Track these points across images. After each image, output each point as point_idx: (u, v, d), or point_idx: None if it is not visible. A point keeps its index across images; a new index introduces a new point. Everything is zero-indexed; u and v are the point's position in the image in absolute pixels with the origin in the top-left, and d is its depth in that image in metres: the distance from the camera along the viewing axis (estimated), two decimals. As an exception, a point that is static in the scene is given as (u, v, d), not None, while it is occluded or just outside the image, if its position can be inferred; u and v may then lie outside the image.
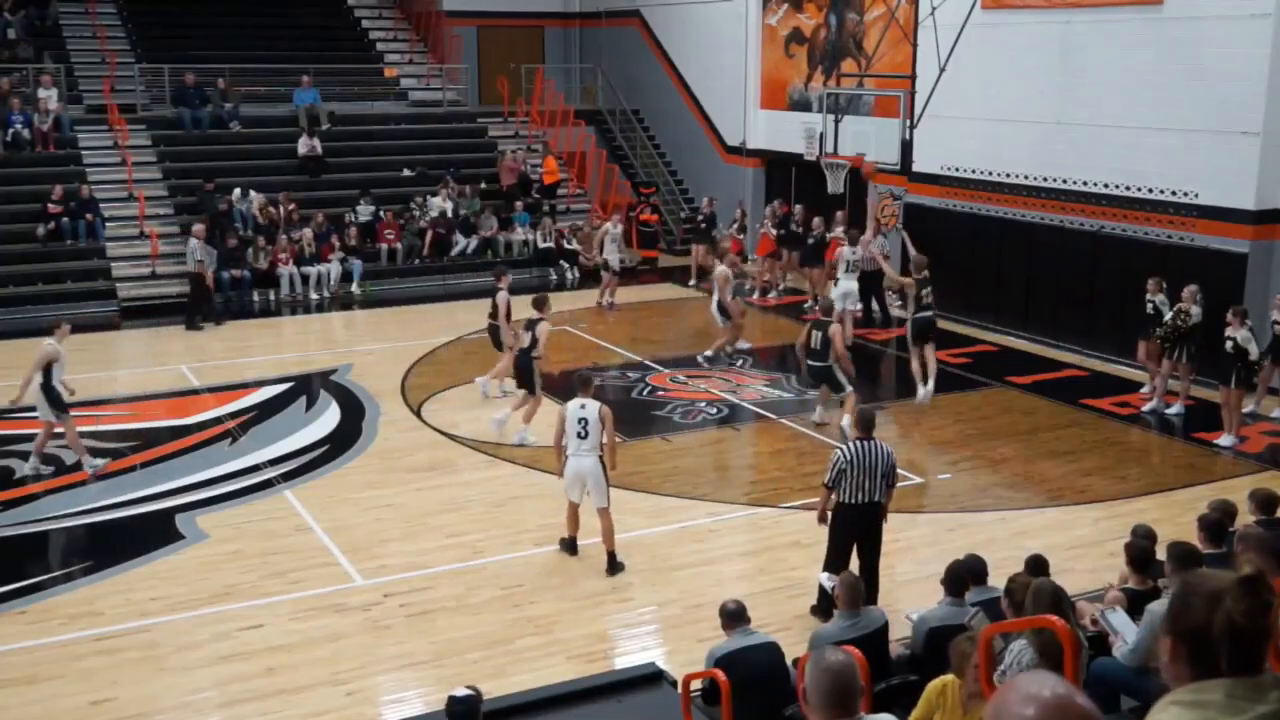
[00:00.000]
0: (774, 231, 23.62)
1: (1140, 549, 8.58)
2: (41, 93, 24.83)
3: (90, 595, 10.78)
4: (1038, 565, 8.45)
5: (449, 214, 25.50)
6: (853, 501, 9.97)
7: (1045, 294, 19.65)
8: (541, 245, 25.55)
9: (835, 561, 10.01)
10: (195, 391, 17.13)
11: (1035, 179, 19.86)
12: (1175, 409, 15.99)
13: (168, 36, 28.94)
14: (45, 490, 13.31)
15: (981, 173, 20.84)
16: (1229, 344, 14.42)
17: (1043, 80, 19.45)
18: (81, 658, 9.66)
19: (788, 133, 25.64)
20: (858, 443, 10.00)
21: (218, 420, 15.62)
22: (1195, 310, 15.51)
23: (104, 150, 25.32)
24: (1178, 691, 2.61)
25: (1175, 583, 2.92)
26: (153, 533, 12.18)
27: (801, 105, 25.78)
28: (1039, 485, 13.51)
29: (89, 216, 23.04)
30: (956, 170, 21.33)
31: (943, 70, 21.01)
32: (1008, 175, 20.35)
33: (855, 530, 10.08)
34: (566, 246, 25.53)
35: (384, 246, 24.67)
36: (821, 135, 23.38)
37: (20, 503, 13.01)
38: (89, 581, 11.08)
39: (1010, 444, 14.94)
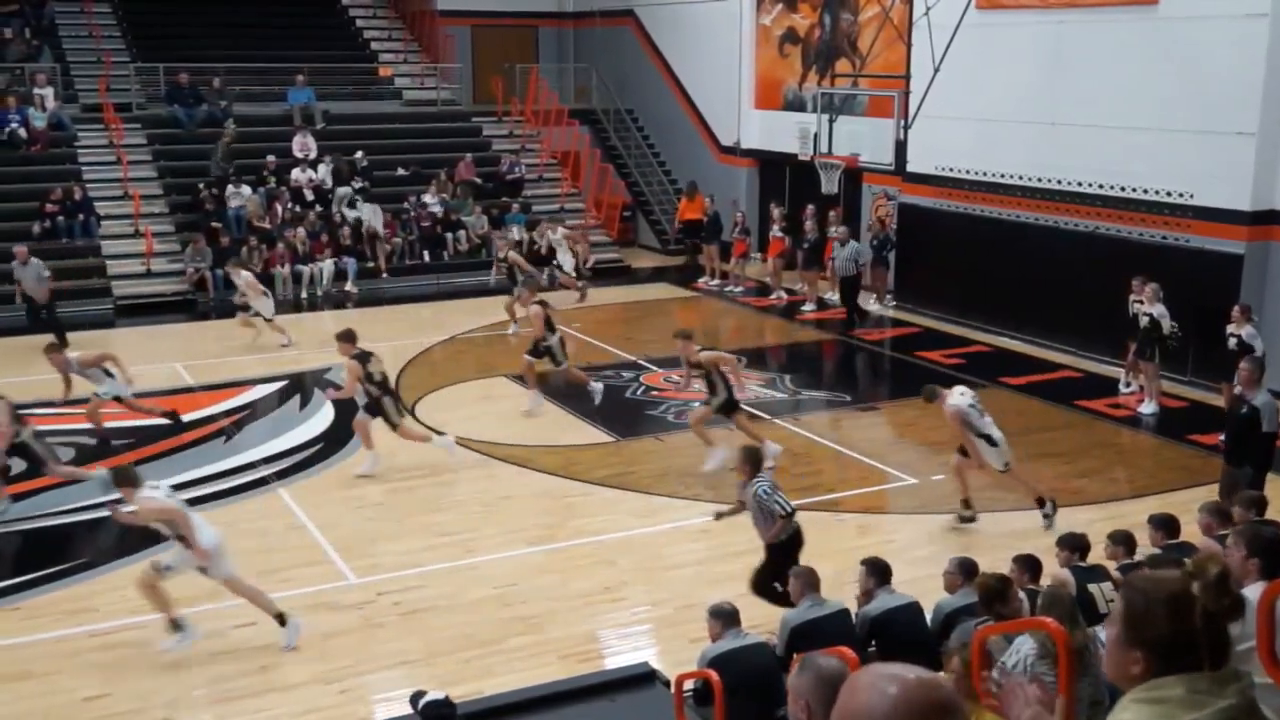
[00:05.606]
0: (783, 234, 23.70)
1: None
2: (37, 92, 24.81)
3: (85, 592, 10.81)
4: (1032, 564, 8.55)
5: (436, 212, 25.47)
6: None
7: (1039, 295, 19.62)
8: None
9: None
10: (189, 389, 17.12)
11: (1029, 179, 19.86)
12: (1148, 408, 16.15)
13: (163, 35, 28.91)
14: (44, 487, 13.30)
15: (975, 173, 20.84)
16: (1233, 341, 14.41)
17: (1037, 81, 19.42)
18: (75, 654, 9.68)
19: (782, 133, 25.61)
20: None
21: (211, 418, 15.61)
22: (1158, 308, 15.62)
23: (100, 149, 25.33)
24: (1136, 690, 2.62)
25: (1124, 589, 2.92)
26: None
27: (796, 105, 25.77)
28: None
29: (82, 216, 23.04)
30: (950, 171, 21.33)
31: (937, 70, 21.07)
32: (1002, 176, 20.35)
33: None
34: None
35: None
36: (815, 135, 23.40)
37: (17, 499, 12.98)
38: (84, 578, 11.10)
39: (1003, 444, 14.93)
